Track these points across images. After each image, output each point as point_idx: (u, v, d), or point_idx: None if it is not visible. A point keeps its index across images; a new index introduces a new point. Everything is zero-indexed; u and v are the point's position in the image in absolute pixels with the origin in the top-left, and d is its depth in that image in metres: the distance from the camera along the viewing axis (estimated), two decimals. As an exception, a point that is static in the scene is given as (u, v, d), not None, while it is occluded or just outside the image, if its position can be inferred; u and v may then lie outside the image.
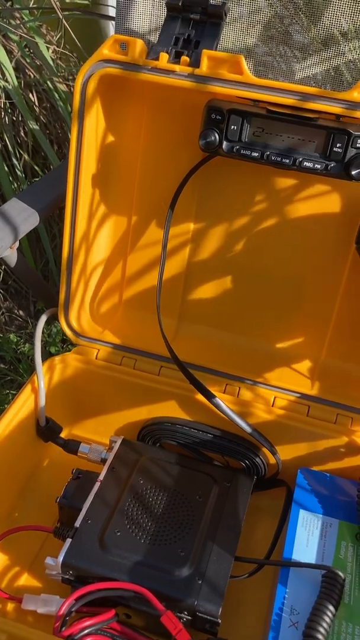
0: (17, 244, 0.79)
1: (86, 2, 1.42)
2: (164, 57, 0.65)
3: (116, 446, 0.75)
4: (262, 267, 0.76)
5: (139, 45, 0.65)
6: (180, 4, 0.68)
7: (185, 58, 0.65)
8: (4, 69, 1.24)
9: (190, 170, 0.71)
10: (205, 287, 0.79)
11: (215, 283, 0.79)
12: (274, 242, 0.74)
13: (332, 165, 0.62)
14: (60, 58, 1.37)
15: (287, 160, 0.63)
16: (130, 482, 0.70)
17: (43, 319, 0.79)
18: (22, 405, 0.74)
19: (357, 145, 0.61)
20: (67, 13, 1.19)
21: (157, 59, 0.65)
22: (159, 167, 0.75)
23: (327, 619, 0.57)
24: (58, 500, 0.68)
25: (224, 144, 0.64)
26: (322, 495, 0.72)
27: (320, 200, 0.71)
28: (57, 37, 1.35)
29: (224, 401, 0.73)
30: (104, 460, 0.74)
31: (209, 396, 0.72)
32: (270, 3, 0.75)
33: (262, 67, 0.75)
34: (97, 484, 0.69)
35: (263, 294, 0.77)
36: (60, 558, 0.62)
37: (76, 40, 1.21)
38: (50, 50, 1.31)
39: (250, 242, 0.75)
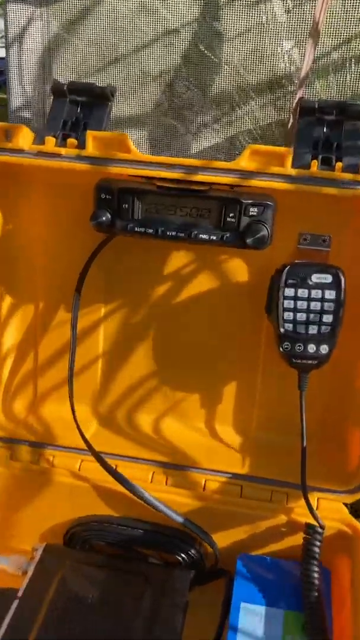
0: None
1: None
2: (49, 141, 0.64)
3: (38, 555, 0.68)
4: (179, 343, 0.73)
5: (23, 131, 0.64)
6: (65, 88, 0.68)
7: (72, 140, 0.64)
8: None
9: (92, 252, 0.69)
10: (124, 370, 0.75)
11: (133, 365, 0.75)
12: (188, 317, 0.72)
13: (227, 235, 0.60)
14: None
15: (183, 234, 0.61)
16: (54, 596, 0.63)
17: None
18: None
19: (250, 213, 0.59)
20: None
21: (42, 143, 0.64)
22: (63, 250, 0.72)
23: None
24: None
25: (117, 222, 0.62)
26: (264, 582, 0.66)
27: (227, 271, 0.69)
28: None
29: (150, 492, 0.68)
30: (26, 573, 0.67)
31: (133, 489, 0.67)
32: (164, 79, 0.76)
33: (157, 141, 0.74)
34: (16, 602, 0.62)
35: (185, 372, 0.74)
36: None
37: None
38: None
39: (164, 319, 0.73)
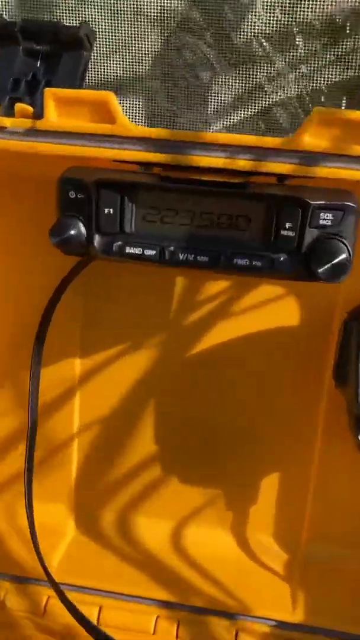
0: None
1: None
2: (-13, 108, 0.40)
3: None
4: (194, 417, 0.49)
5: None
6: (16, 30, 0.44)
7: (22, 106, 0.40)
8: None
9: (58, 285, 0.44)
10: (112, 453, 0.51)
11: (126, 445, 0.51)
12: (208, 379, 0.48)
13: (281, 259, 0.36)
14: None
15: (205, 259, 0.36)
16: None
17: None
18: None
19: (320, 222, 0.35)
20: None
21: (-25, 112, 0.40)
22: (18, 281, 0.48)
23: None
24: None
25: (96, 239, 0.37)
26: None
27: (268, 310, 0.45)
28: None
29: (153, 653, 0.44)
30: None
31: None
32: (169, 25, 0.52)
33: (156, 116, 0.50)
34: None
35: (203, 458, 0.50)
36: None
37: None
38: None
39: (171, 381, 0.49)
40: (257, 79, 0.53)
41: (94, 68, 0.51)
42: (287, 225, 0.35)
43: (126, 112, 0.52)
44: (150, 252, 0.37)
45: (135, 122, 0.53)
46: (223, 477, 0.50)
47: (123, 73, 0.52)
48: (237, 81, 0.53)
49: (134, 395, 0.49)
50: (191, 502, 0.51)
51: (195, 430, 0.49)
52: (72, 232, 0.37)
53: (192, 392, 0.48)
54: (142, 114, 0.51)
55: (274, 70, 0.52)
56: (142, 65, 0.52)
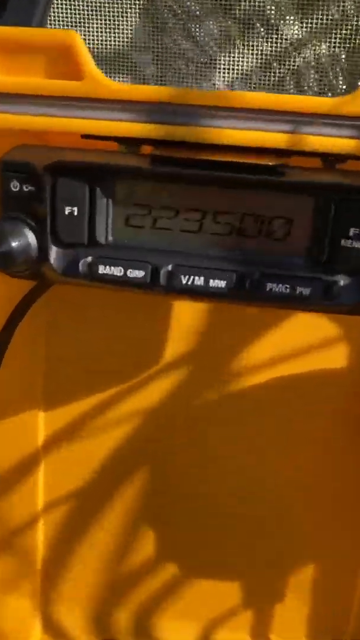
0: None
1: None
2: None
3: None
4: (200, 483, 0.37)
5: None
6: None
7: None
8: None
9: (5, 324, 0.32)
10: (87, 537, 0.39)
11: (103, 528, 0.38)
12: (222, 437, 0.36)
13: (340, 283, 0.23)
14: None
15: (221, 283, 0.24)
16: None
17: None
18: None
19: None
20: None
21: None
22: None
23: None
24: None
25: (53, 253, 0.25)
26: None
27: (315, 350, 0.32)
28: None
29: None
30: None
31: None
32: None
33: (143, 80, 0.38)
34: None
35: (213, 541, 0.38)
36: None
37: None
38: None
39: (168, 441, 0.36)
40: (275, 46, 0.41)
41: (64, 14, 0.39)
42: (352, 231, 0.22)
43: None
44: (136, 274, 0.24)
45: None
46: (241, 569, 0.37)
47: (99, 26, 0.39)
48: (248, 49, 0.41)
49: (116, 463, 0.36)
50: (199, 599, 0.38)
51: (204, 507, 0.37)
52: (15, 243, 0.24)
53: (199, 458, 0.36)
54: (124, 76, 0.39)
55: (295, 34, 0.40)
56: (124, 17, 0.39)
